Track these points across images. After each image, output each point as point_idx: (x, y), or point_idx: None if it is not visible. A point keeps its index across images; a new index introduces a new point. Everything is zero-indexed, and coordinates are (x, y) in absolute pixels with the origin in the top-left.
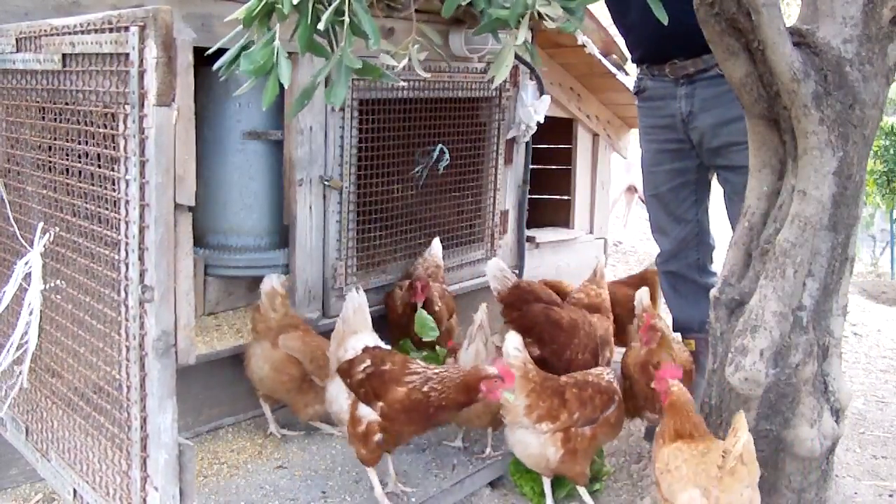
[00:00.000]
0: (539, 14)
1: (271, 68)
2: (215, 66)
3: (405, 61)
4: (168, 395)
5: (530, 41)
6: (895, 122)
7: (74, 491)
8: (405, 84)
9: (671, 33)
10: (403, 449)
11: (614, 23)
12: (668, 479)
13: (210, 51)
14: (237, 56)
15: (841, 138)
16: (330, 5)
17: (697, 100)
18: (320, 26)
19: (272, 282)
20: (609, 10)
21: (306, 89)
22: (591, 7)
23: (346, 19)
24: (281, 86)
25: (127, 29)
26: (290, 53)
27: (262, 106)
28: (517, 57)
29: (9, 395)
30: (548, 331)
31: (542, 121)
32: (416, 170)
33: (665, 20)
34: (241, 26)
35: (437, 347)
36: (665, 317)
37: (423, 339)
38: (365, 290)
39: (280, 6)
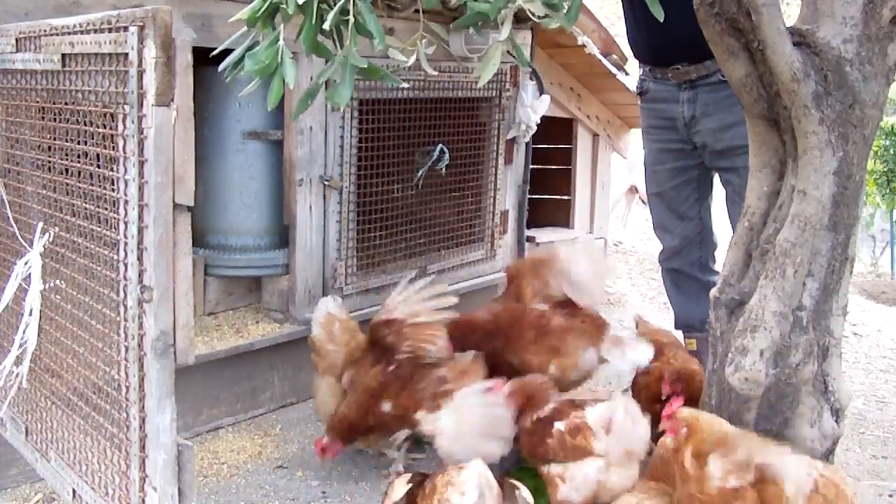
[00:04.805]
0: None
1: (276, 69)
2: (220, 68)
3: (413, 58)
4: (167, 395)
5: (530, 41)
6: (895, 122)
7: (74, 491)
8: (406, 84)
9: (673, 40)
10: None
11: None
12: None
13: (215, 52)
14: (242, 57)
15: (841, 138)
16: (335, 5)
17: (700, 104)
18: (325, 26)
19: (327, 306)
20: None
21: (310, 90)
22: (591, 7)
23: (351, 19)
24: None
25: (126, 29)
26: (292, 53)
27: (268, 107)
28: (511, 55)
29: (8, 395)
30: None
31: (538, 121)
32: (420, 173)
33: (661, 16)
34: (245, 27)
35: None
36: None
37: None
38: (364, 291)
39: (285, 6)
